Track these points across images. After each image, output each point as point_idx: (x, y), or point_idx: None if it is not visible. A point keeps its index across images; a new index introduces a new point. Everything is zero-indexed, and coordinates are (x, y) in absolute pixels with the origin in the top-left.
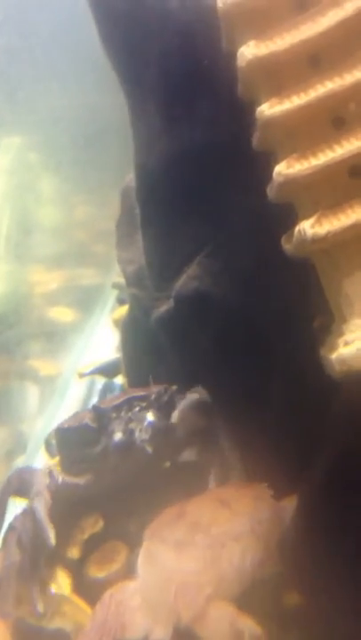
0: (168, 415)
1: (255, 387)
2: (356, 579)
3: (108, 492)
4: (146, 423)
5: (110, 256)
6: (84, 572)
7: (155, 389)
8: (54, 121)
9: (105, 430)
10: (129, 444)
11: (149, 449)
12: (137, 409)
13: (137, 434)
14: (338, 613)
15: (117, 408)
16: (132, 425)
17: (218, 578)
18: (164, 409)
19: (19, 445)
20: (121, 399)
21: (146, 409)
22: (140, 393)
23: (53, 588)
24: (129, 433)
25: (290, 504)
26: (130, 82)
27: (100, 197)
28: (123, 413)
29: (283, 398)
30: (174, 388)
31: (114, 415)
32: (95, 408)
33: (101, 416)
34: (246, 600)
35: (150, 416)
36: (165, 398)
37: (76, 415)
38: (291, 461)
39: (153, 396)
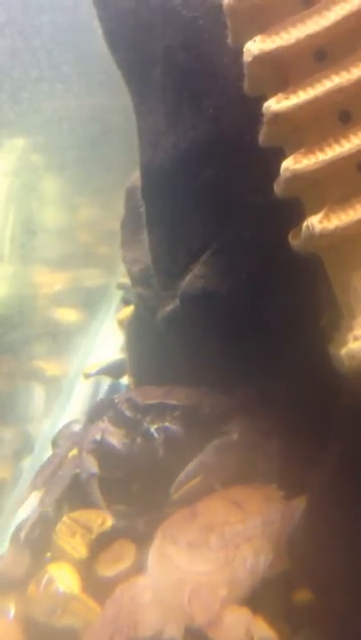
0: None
1: (262, 385)
2: None
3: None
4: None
5: (115, 257)
6: (93, 571)
7: (189, 401)
8: (58, 122)
9: (134, 423)
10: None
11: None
12: (163, 422)
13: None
14: (349, 609)
15: (149, 409)
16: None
17: (232, 579)
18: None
19: (26, 446)
20: (156, 400)
21: (172, 423)
22: (173, 402)
23: (61, 587)
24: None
25: (299, 504)
26: (135, 80)
27: (105, 198)
28: (150, 417)
29: (290, 396)
30: (207, 401)
31: (143, 415)
32: (130, 401)
33: (135, 410)
34: (256, 599)
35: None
36: (196, 417)
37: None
38: (299, 458)
39: (180, 411)
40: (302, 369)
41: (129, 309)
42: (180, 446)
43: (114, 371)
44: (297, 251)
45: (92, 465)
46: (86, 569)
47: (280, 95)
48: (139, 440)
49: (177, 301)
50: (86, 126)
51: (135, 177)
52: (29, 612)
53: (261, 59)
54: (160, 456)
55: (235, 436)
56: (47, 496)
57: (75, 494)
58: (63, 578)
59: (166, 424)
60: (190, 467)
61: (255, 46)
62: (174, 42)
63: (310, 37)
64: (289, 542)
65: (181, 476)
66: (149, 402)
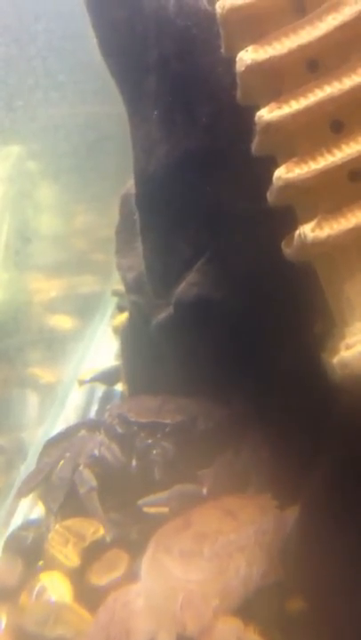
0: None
1: (256, 393)
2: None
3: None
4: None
5: (110, 264)
6: (86, 580)
7: (183, 417)
8: (53, 129)
9: (127, 441)
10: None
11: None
12: (158, 442)
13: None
14: (342, 618)
15: (142, 427)
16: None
17: (224, 589)
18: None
19: (19, 453)
20: (148, 420)
21: (166, 442)
22: (167, 421)
23: (53, 597)
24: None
25: (293, 513)
26: (129, 88)
27: (100, 205)
28: (144, 436)
29: (284, 404)
30: (202, 414)
31: (136, 434)
32: (122, 417)
33: (127, 426)
34: (249, 609)
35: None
36: (190, 434)
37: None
38: (293, 467)
39: (172, 429)
40: (296, 376)
41: (124, 316)
42: (174, 464)
43: (108, 378)
44: (290, 259)
45: (90, 479)
46: (79, 578)
47: (272, 105)
48: (134, 462)
49: (171, 309)
50: (82, 133)
51: (130, 184)
52: (21, 622)
53: (254, 68)
54: (156, 478)
55: (204, 491)
56: (52, 503)
57: (67, 503)
58: (55, 587)
59: (161, 443)
60: (160, 496)
61: (248, 56)
62: (168, 50)
63: (302, 47)
64: (282, 551)
65: (151, 497)
66: (142, 420)
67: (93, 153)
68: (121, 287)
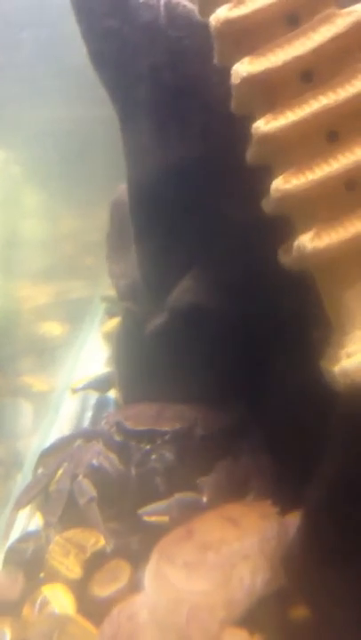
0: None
1: (254, 400)
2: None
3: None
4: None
5: (98, 268)
6: (88, 592)
7: (181, 424)
8: (39, 135)
9: (125, 449)
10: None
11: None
12: (156, 451)
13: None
14: (346, 624)
15: (140, 435)
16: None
17: (229, 599)
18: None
19: (15, 463)
20: (146, 427)
21: (165, 450)
22: (165, 428)
23: (57, 609)
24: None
25: (294, 519)
26: (121, 98)
27: (87, 210)
28: (142, 445)
29: (282, 410)
30: (201, 421)
31: (134, 443)
32: (120, 426)
33: (125, 435)
34: (254, 617)
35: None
36: (189, 440)
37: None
38: (293, 474)
39: (171, 437)
40: (293, 383)
41: (113, 322)
42: (174, 472)
43: (101, 385)
44: (288, 268)
45: (90, 489)
46: (81, 589)
47: (268, 116)
48: (133, 471)
49: (165, 315)
50: (68, 139)
51: (120, 191)
52: (25, 635)
53: (249, 80)
54: (156, 486)
55: (204, 499)
56: (50, 516)
57: (67, 514)
58: (58, 599)
59: (160, 451)
60: (160, 505)
61: (243, 68)
62: (160, 61)
63: (297, 59)
64: (285, 559)
65: (151, 507)
66: (140, 428)
67: (80, 158)
68: (110, 293)
